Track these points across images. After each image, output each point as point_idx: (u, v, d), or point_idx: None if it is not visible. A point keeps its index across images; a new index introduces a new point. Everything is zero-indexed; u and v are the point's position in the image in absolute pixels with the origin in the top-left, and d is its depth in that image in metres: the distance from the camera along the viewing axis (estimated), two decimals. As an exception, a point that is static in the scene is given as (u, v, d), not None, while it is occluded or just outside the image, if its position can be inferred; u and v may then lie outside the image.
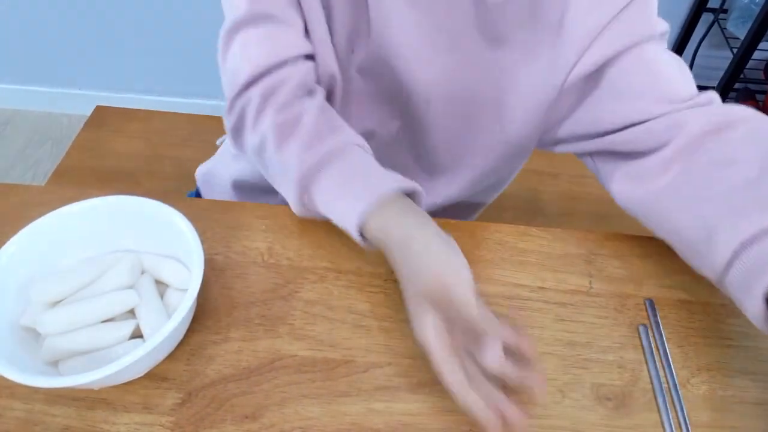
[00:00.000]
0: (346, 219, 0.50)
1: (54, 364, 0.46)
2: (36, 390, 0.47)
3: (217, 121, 1.22)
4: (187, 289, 0.46)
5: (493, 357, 0.41)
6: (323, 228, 0.59)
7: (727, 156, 0.49)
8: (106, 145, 1.21)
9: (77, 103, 1.89)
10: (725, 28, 1.53)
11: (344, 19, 0.56)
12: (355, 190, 0.50)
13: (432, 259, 0.46)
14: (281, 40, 0.55)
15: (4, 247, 0.47)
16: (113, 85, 1.85)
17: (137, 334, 0.48)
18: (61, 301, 0.48)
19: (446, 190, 0.71)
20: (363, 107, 0.63)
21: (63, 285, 0.48)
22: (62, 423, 0.45)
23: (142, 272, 0.51)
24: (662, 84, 0.54)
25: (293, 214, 0.60)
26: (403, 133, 0.67)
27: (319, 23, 0.55)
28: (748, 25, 1.38)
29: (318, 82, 0.59)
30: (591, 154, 0.60)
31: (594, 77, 0.56)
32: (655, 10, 0.55)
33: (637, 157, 0.54)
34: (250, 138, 0.57)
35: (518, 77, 0.58)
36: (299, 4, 0.55)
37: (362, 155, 0.53)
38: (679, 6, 1.58)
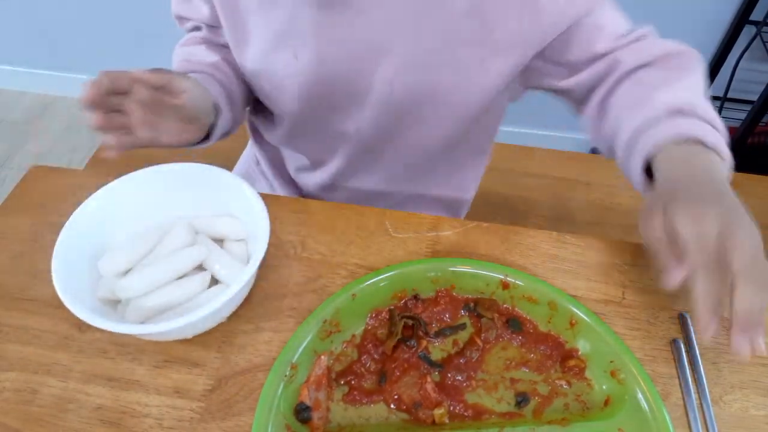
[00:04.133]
0: None
1: None
2: (71, 368, 0.48)
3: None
4: (244, 239, 0.52)
5: None
6: (355, 224, 0.59)
7: (640, 79, 0.58)
8: (142, 133, 1.23)
9: (114, 91, 1.93)
10: (767, 42, 1.50)
11: None
12: None
13: None
14: None
15: (65, 230, 0.49)
16: (149, 76, 1.89)
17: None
18: (128, 270, 0.51)
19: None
20: None
21: (128, 255, 0.51)
22: (96, 402, 0.47)
23: (196, 233, 0.54)
24: (604, 28, 0.59)
25: (326, 209, 0.61)
26: None
27: None
28: (792, 39, 1.34)
29: None
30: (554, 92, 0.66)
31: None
32: None
33: (586, 98, 0.63)
34: None
35: None
36: None
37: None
38: (721, 18, 1.55)
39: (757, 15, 1.50)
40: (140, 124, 0.48)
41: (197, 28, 0.71)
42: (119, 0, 1.69)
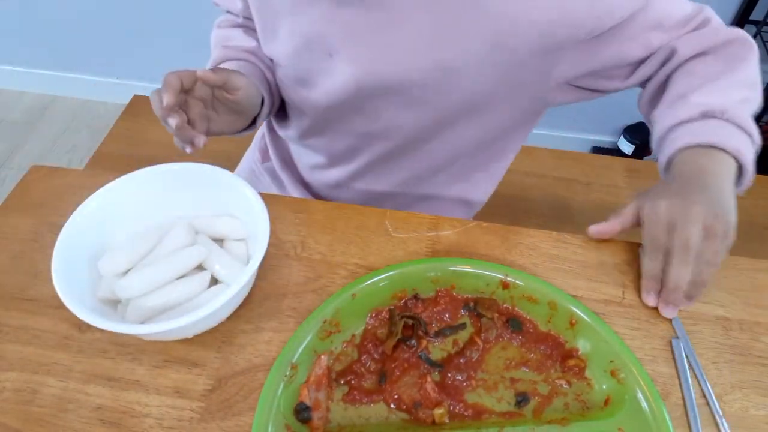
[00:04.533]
0: None
1: None
2: (71, 368, 0.48)
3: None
4: (244, 239, 0.52)
5: None
6: (355, 224, 0.59)
7: (691, 70, 0.60)
8: (142, 134, 1.24)
9: (114, 92, 1.93)
10: (767, 42, 1.50)
11: None
12: None
13: None
14: None
15: (65, 230, 0.49)
16: (150, 76, 1.89)
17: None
18: (129, 269, 0.51)
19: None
20: None
21: (128, 255, 0.51)
22: (96, 402, 0.47)
23: (196, 233, 0.54)
24: (655, 15, 0.58)
25: (327, 209, 0.61)
26: None
27: None
28: (793, 39, 1.34)
29: None
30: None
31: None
32: None
33: (642, 85, 0.65)
34: None
35: None
36: None
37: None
38: (721, 18, 1.54)
39: (757, 15, 1.51)
40: (199, 117, 0.54)
41: (233, 13, 0.73)
42: (119, 3, 1.69)
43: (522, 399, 0.48)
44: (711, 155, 0.55)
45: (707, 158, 0.55)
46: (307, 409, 0.45)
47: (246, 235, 0.54)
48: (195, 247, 0.51)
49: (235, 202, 0.53)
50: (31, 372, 0.48)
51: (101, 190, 0.52)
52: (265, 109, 0.68)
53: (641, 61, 0.62)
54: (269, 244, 0.48)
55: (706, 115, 0.56)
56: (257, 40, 0.70)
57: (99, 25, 1.76)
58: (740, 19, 1.51)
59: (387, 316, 0.52)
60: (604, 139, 1.84)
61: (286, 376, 0.46)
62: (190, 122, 0.53)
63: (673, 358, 0.51)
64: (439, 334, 0.52)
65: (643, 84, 0.65)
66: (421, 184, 0.77)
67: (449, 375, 0.49)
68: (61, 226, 0.49)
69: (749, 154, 0.56)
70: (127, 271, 0.50)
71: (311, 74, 0.64)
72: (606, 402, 0.48)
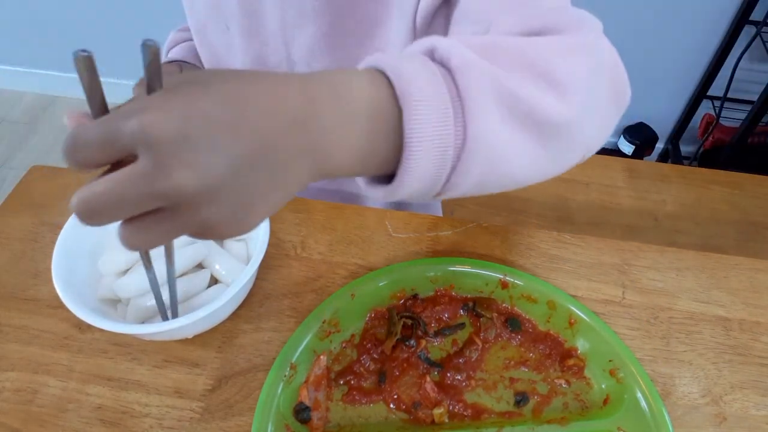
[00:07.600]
0: None
1: None
2: (71, 368, 0.48)
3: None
4: (244, 239, 0.52)
5: None
6: (355, 224, 0.59)
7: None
8: (142, 134, 1.23)
9: (114, 92, 1.93)
10: (767, 42, 1.50)
11: None
12: None
13: None
14: None
15: (65, 230, 0.49)
16: (149, 76, 1.89)
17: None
18: (128, 269, 0.51)
19: None
20: None
21: (128, 255, 0.50)
22: (96, 402, 0.47)
23: None
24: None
25: (326, 209, 0.61)
26: None
27: None
28: (792, 39, 1.34)
29: None
30: None
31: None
32: None
33: None
34: None
35: None
36: None
37: None
38: (721, 18, 1.55)
39: (757, 15, 1.50)
40: None
41: None
42: (120, 4, 1.69)
43: (521, 398, 0.48)
44: (356, 76, 0.32)
45: (344, 77, 0.32)
46: (306, 409, 0.45)
47: (246, 235, 0.54)
48: (195, 246, 0.51)
49: None
50: (31, 372, 0.48)
51: None
52: None
53: None
54: (269, 244, 0.48)
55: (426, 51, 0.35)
56: None
57: (99, 25, 1.76)
58: (740, 19, 1.51)
59: (386, 316, 0.52)
60: (604, 139, 1.84)
61: (285, 376, 0.46)
62: None
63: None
64: (438, 333, 0.52)
65: None
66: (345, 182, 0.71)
67: (448, 375, 0.49)
68: (61, 226, 0.49)
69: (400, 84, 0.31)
70: (127, 271, 0.50)
71: (217, 49, 0.61)
72: (605, 401, 0.48)
